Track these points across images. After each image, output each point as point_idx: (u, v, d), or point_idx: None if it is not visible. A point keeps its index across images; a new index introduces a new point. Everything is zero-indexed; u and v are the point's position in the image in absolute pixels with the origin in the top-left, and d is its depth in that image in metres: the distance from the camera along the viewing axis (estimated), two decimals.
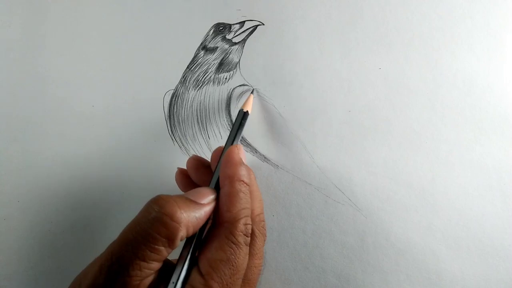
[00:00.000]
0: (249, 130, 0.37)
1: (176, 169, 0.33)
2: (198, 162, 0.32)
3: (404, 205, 0.35)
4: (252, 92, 0.36)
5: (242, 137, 0.37)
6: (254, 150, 0.37)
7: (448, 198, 0.34)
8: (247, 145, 0.37)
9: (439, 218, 0.34)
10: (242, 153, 0.31)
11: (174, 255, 0.27)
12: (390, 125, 0.35)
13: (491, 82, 0.34)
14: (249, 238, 0.28)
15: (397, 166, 0.35)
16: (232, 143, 0.32)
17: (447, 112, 0.35)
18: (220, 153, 0.31)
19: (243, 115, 0.33)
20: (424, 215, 0.35)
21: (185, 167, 0.33)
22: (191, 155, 0.34)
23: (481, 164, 0.34)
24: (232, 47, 0.37)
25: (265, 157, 0.36)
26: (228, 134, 0.36)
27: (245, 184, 0.29)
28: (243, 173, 0.29)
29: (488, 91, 0.34)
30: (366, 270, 0.35)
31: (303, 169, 0.36)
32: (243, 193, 0.28)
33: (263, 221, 0.31)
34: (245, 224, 0.28)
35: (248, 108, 0.34)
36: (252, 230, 0.29)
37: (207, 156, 0.37)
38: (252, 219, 0.29)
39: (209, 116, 0.37)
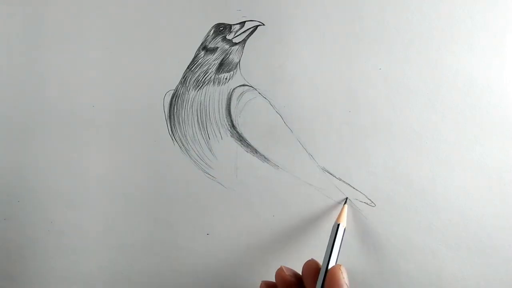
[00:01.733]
0: (249, 130, 0.37)
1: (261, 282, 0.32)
2: (290, 278, 0.31)
3: (404, 205, 0.35)
4: (345, 203, 0.35)
5: (242, 137, 0.37)
6: (254, 151, 0.37)
7: (448, 198, 0.34)
8: (247, 145, 0.37)
9: (439, 218, 0.35)
10: (346, 276, 0.30)
11: None
12: (390, 125, 0.35)
13: (491, 82, 0.34)
14: None
15: (397, 166, 0.35)
16: (329, 261, 0.31)
17: (447, 112, 0.35)
18: (314, 271, 0.30)
19: (338, 229, 0.32)
20: (424, 215, 0.35)
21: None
22: (280, 267, 0.32)
23: (481, 164, 0.34)
24: (233, 48, 0.37)
25: (265, 157, 0.36)
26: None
27: None
28: None
29: (488, 91, 0.34)
30: (366, 270, 0.35)
31: (303, 170, 0.36)
32: None
33: None
34: None
35: (342, 221, 0.33)
36: None
37: (208, 156, 0.37)
38: None
39: (209, 116, 0.37)
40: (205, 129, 0.37)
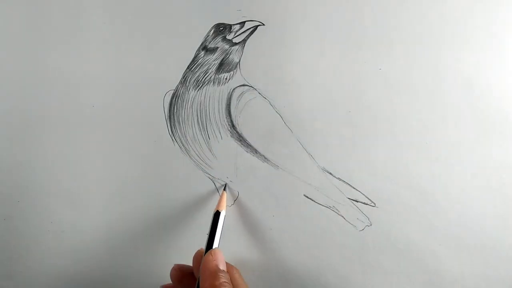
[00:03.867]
0: (249, 130, 0.37)
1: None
2: (180, 273, 0.33)
3: (404, 206, 0.35)
4: (224, 189, 0.36)
5: (242, 137, 0.37)
6: (254, 151, 0.37)
7: (449, 199, 0.34)
8: (247, 145, 0.37)
9: (439, 219, 0.35)
10: (220, 258, 0.31)
11: None
12: (390, 126, 0.35)
13: (491, 83, 0.34)
14: None
15: (397, 166, 0.35)
16: (209, 248, 0.32)
17: (448, 112, 0.35)
18: (200, 258, 0.32)
19: (216, 216, 0.33)
20: (424, 216, 0.35)
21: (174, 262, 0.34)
22: (173, 265, 0.34)
23: (481, 164, 0.34)
24: (233, 48, 0.37)
25: (265, 158, 0.36)
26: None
27: None
28: (222, 280, 0.29)
29: (488, 92, 0.34)
30: (366, 271, 0.35)
31: (303, 170, 0.36)
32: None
33: None
34: None
35: (222, 208, 0.34)
36: None
37: (207, 156, 0.37)
38: None
39: (209, 116, 0.37)
40: (205, 129, 0.37)
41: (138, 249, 0.38)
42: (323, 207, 0.36)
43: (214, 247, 0.32)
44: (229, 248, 0.36)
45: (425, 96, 0.35)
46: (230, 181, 0.37)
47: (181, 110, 0.37)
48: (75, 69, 0.39)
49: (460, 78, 0.35)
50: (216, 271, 0.30)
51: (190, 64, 0.37)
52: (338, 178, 0.36)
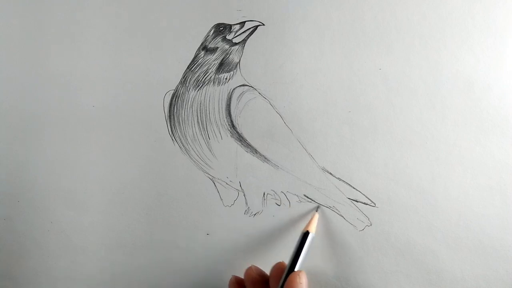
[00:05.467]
0: (249, 130, 0.37)
1: (231, 277, 0.35)
2: (258, 278, 0.33)
3: (404, 206, 0.35)
4: (317, 211, 0.36)
5: (242, 137, 0.37)
6: (254, 151, 0.37)
7: (448, 199, 0.34)
8: (247, 145, 0.37)
9: (439, 219, 0.35)
10: (305, 282, 0.31)
11: None
12: (390, 126, 0.35)
13: (491, 83, 0.34)
14: None
15: (397, 166, 0.35)
16: (293, 268, 0.32)
17: (447, 112, 0.35)
18: (280, 274, 0.32)
19: (304, 237, 0.33)
20: (424, 216, 0.35)
21: (239, 274, 0.34)
22: (250, 266, 0.34)
23: (481, 164, 0.34)
24: (233, 48, 0.37)
25: (265, 158, 0.36)
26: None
27: None
28: None
29: (488, 92, 0.34)
30: (366, 271, 0.35)
31: (303, 170, 0.36)
32: None
33: None
34: None
35: (311, 229, 0.34)
36: None
37: (208, 158, 0.37)
38: None
39: (209, 116, 0.37)
40: (205, 129, 0.37)
41: (138, 249, 0.38)
42: (323, 207, 0.36)
43: (298, 268, 0.32)
44: (228, 248, 0.36)
45: (425, 96, 0.35)
46: (230, 181, 0.37)
47: (181, 110, 0.37)
48: (75, 69, 0.39)
49: (460, 78, 0.35)
50: None
51: (190, 64, 0.37)
52: (338, 178, 0.36)
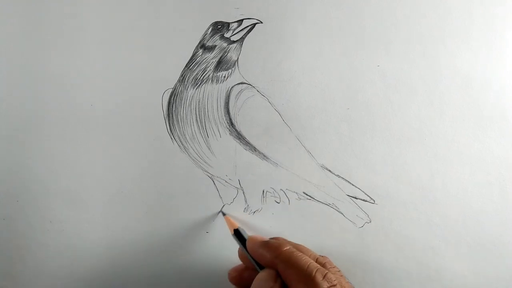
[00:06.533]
0: (248, 128, 0.37)
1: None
2: (238, 273, 0.34)
3: (403, 202, 0.35)
4: (224, 214, 0.37)
5: (241, 135, 0.37)
6: (253, 148, 0.37)
7: (447, 195, 0.35)
8: (246, 143, 0.37)
9: (438, 215, 0.35)
10: (256, 237, 0.32)
11: None
12: (389, 123, 0.35)
13: (489, 80, 0.34)
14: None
15: (396, 163, 0.35)
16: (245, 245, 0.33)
17: (446, 109, 0.35)
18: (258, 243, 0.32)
19: (238, 234, 0.34)
20: (424, 212, 0.35)
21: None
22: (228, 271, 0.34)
23: (479, 160, 0.34)
24: (231, 46, 0.37)
25: (264, 155, 0.36)
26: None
27: (290, 248, 0.29)
28: (276, 244, 0.30)
29: (486, 88, 0.34)
30: (366, 267, 0.35)
31: (302, 167, 0.36)
32: (295, 253, 0.29)
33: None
34: (322, 274, 0.27)
35: (235, 226, 0.35)
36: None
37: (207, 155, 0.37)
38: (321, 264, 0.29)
39: (208, 114, 0.37)
40: (204, 128, 0.37)
41: (138, 248, 0.38)
42: (323, 204, 0.36)
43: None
44: (228, 246, 0.36)
45: (423, 93, 0.35)
46: (230, 179, 0.37)
47: (179, 109, 0.37)
48: (74, 69, 0.39)
49: (458, 75, 0.35)
50: (264, 240, 0.31)
51: (188, 62, 0.37)
52: (337, 175, 0.36)
